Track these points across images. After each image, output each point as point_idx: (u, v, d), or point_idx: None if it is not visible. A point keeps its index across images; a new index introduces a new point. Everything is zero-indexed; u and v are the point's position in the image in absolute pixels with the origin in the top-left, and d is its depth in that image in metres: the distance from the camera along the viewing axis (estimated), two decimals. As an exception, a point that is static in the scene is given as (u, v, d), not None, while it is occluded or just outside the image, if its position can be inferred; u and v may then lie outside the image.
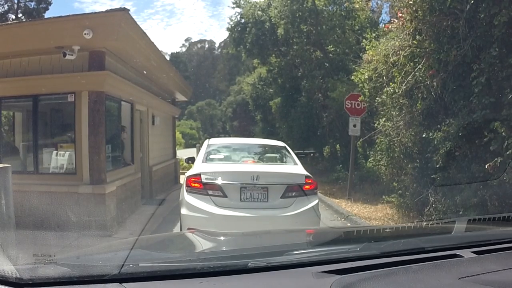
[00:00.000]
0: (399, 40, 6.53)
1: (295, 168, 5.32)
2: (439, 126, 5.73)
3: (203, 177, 4.76)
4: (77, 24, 5.86)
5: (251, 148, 6.18)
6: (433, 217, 5.78)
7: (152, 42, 7.80)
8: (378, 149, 7.76)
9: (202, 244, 2.02)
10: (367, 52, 7.86)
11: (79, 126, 6.29)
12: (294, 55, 15.29)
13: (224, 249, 2.03)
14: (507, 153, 4.53)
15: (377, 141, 7.80)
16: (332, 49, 13.48)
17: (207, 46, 68.49)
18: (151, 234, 4.72)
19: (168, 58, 45.93)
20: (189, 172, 5.08)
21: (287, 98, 16.87)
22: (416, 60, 6.18)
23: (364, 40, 8.92)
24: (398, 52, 6.50)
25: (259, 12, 15.96)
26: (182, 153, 15.69)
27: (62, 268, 1.32)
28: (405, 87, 6.23)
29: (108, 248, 2.08)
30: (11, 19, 24.64)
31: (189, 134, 42.98)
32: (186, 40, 73.92)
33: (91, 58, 6.26)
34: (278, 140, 7.49)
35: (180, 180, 11.35)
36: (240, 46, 17.43)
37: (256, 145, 6.51)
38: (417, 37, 6.06)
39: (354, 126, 9.85)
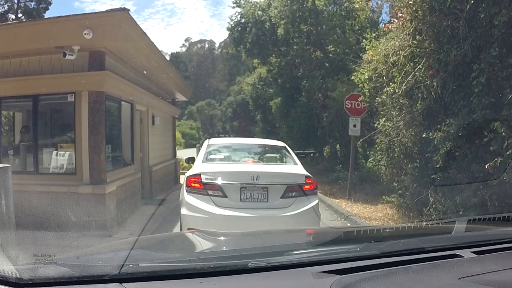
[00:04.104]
0: (399, 40, 6.53)
1: (295, 168, 5.32)
2: (439, 126, 5.72)
3: (203, 177, 4.76)
4: (77, 24, 5.86)
5: (251, 148, 6.18)
6: (433, 217, 5.78)
7: (152, 42, 7.80)
8: (378, 149, 7.76)
9: (202, 244, 2.02)
10: (367, 52, 7.86)
11: (79, 126, 6.29)
12: (294, 55, 15.30)
13: (224, 249, 2.03)
14: (507, 153, 4.53)
15: (377, 141, 7.80)
16: (332, 49, 13.48)
17: (207, 46, 68.59)
18: (151, 234, 4.73)
19: (168, 58, 45.99)
20: (189, 172, 5.08)
21: (287, 98, 16.87)
22: (416, 60, 6.18)
23: (364, 40, 8.91)
24: (398, 52, 6.49)
25: (259, 12, 15.95)
26: (182, 153, 15.69)
27: (62, 268, 1.32)
28: (405, 87, 6.23)
29: (108, 248, 2.08)
30: (11, 19, 24.65)
31: (189, 134, 43.01)
32: (186, 40, 74.11)
33: (91, 58, 6.26)
34: (278, 140, 7.49)
35: (180, 180, 11.36)
36: (240, 46, 17.44)
37: (256, 145, 6.51)
38: (417, 37, 6.06)
39: (354, 126, 9.85)
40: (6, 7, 28.16)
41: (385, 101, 6.88)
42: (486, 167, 4.80)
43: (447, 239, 1.93)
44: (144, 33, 7.18)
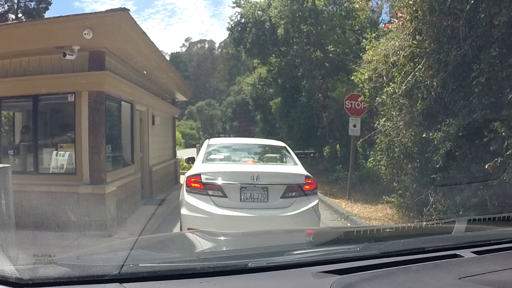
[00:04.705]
0: (399, 40, 6.53)
1: (295, 168, 5.32)
2: (439, 126, 5.72)
3: (203, 177, 4.76)
4: (77, 24, 5.86)
5: (251, 148, 6.18)
6: (433, 217, 5.78)
7: (152, 42, 7.80)
8: (378, 149, 7.76)
9: (202, 244, 2.02)
10: (367, 52, 7.86)
11: (79, 126, 6.29)
12: (294, 55, 15.30)
13: (224, 249, 2.03)
14: (507, 153, 4.53)
15: (377, 141, 7.80)
16: (332, 49, 13.48)
17: (207, 46, 68.68)
18: (151, 234, 4.73)
19: (168, 58, 45.99)
20: (189, 172, 5.08)
21: (287, 98, 16.88)
22: (416, 60, 6.18)
23: (364, 40, 8.92)
24: (398, 52, 6.49)
25: (259, 12, 15.96)
26: (182, 153, 15.70)
27: (62, 268, 1.32)
28: (405, 87, 6.23)
29: (108, 248, 2.08)
30: (11, 19, 24.64)
31: (189, 134, 43.01)
32: (186, 40, 74.17)
33: (91, 58, 6.26)
34: (278, 140, 7.48)
35: (180, 180, 11.36)
36: (240, 46, 17.46)
37: (256, 145, 6.51)
38: (417, 37, 6.06)
39: (354, 126, 9.85)
40: (6, 7, 28.18)
41: (385, 101, 6.88)
42: (486, 167, 4.79)
43: (447, 239, 1.92)
44: (144, 33, 7.18)
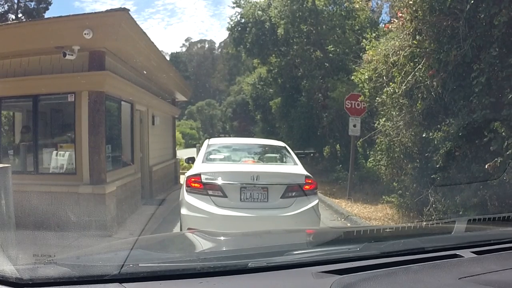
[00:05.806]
0: (399, 40, 6.53)
1: (295, 168, 5.32)
2: (439, 126, 5.73)
3: (203, 177, 4.76)
4: (77, 24, 5.86)
5: (251, 148, 6.18)
6: (433, 217, 5.78)
7: (152, 42, 7.80)
8: (378, 149, 7.76)
9: (202, 244, 2.02)
10: (367, 52, 7.86)
11: (79, 126, 6.29)
12: (294, 55, 15.30)
13: (224, 249, 2.03)
14: (507, 153, 4.52)
15: (377, 141, 7.80)
16: (332, 49, 13.48)
17: (207, 46, 68.65)
18: (151, 234, 4.73)
19: (168, 58, 45.98)
20: (189, 172, 5.08)
21: (287, 98, 16.87)
22: (416, 60, 6.18)
23: (364, 40, 8.92)
24: (398, 52, 6.49)
25: (259, 12, 15.96)
26: (182, 153, 15.69)
27: (62, 268, 1.32)
28: (405, 87, 6.23)
29: (108, 248, 2.08)
30: (11, 19, 24.64)
31: (189, 134, 42.99)
32: (186, 40, 74.13)
33: (91, 58, 6.26)
34: (278, 140, 7.48)
35: (180, 180, 11.36)
36: (240, 46, 17.45)
37: (256, 145, 6.51)
38: (417, 37, 6.06)
39: (354, 126, 9.85)
40: (6, 7, 28.16)
41: (385, 101, 6.88)
42: (486, 167, 4.80)
43: (447, 239, 1.93)
44: (144, 33, 7.18)
